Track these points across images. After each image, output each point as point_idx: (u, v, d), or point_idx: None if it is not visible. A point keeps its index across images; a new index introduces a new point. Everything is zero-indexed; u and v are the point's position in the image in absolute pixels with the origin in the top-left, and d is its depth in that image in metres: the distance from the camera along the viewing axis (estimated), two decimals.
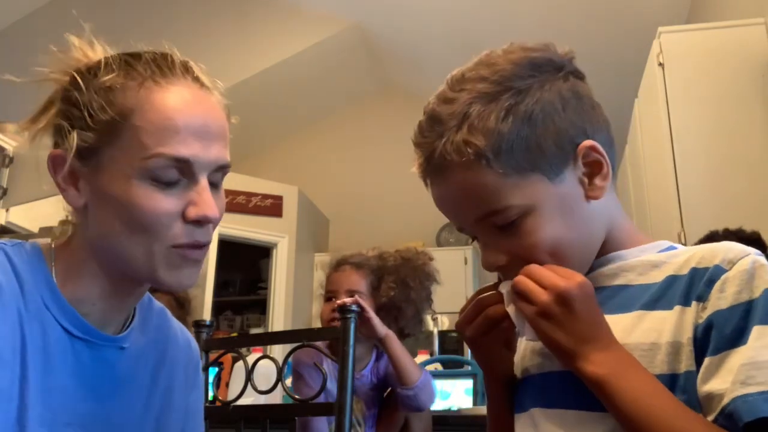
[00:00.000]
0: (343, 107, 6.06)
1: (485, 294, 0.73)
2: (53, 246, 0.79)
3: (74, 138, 0.72)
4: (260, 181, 5.08)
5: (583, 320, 0.64)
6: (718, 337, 0.62)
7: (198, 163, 0.73)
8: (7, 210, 2.96)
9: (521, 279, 0.67)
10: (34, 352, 0.71)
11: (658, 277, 0.69)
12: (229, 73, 4.64)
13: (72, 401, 0.75)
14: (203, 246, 0.76)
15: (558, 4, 4.06)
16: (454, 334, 4.92)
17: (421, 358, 2.69)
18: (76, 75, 0.75)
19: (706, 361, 0.62)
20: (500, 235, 0.71)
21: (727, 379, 0.60)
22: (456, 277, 5.17)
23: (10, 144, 2.96)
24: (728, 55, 2.53)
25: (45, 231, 2.77)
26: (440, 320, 5.00)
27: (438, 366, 2.65)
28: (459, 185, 0.70)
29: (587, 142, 0.70)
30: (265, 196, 5.06)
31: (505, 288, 0.70)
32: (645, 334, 0.66)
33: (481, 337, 0.73)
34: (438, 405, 2.24)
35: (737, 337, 0.61)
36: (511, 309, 0.69)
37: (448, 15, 4.51)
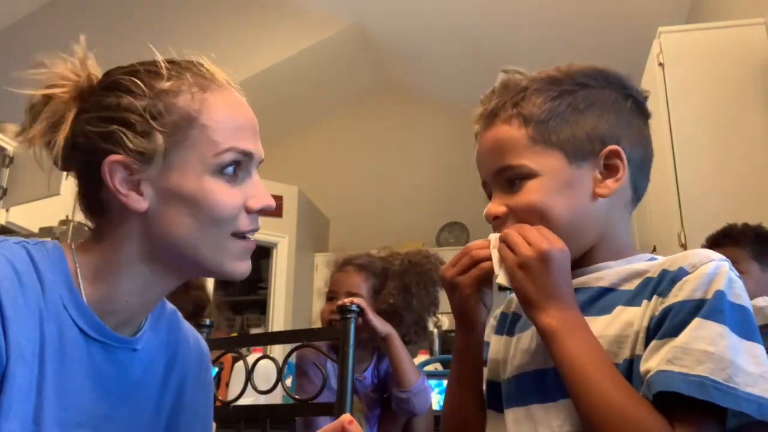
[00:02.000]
0: (343, 107, 6.06)
1: (472, 243, 0.81)
2: (73, 246, 0.79)
3: (160, 141, 0.75)
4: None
5: (553, 280, 0.72)
6: (667, 324, 0.68)
7: (255, 159, 0.81)
8: (7, 210, 2.96)
9: (512, 232, 0.75)
10: (52, 353, 0.72)
11: (638, 283, 0.76)
12: (229, 72, 4.63)
13: (85, 402, 0.75)
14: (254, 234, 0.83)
15: (558, 4, 4.06)
16: (454, 334, 4.92)
17: (421, 358, 2.69)
18: (137, 81, 0.77)
19: (651, 344, 0.68)
20: (507, 190, 0.80)
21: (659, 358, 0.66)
22: None
23: (10, 144, 2.96)
24: (728, 55, 2.53)
25: (45, 231, 2.77)
26: (440, 320, 5.00)
27: (438, 366, 2.65)
28: (494, 136, 0.81)
29: (615, 147, 0.79)
30: None
31: (493, 236, 0.79)
32: (619, 326, 0.72)
33: (460, 275, 0.79)
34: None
35: (681, 327, 0.67)
36: (495, 253, 0.77)
37: (448, 15, 4.51)
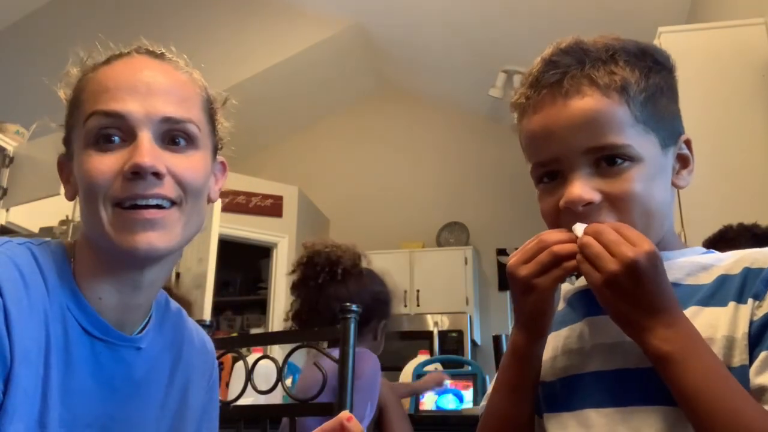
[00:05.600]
0: (343, 107, 6.06)
1: (549, 232, 0.70)
2: (73, 244, 0.79)
3: (66, 131, 0.78)
4: (260, 181, 5.08)
5: (649, 292, 0.63)
6: None
7: (133, 118, 0.72)
8: (7, 210, 2.96)
9: (590, 242, 0.65)
10: (57, 353, 0.71)
11: (708, 278, 0.71)
12: (229, 73, 4.64)
13: (92, 402, 0.75)
14: (152, 199, 0.72)
15: (558, 4, 4.06)
16: (454, 334, 4.92)
17: (421, 358, 2.69)
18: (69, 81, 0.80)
19: (762, 354, 0.62)
20: (598, 174, 0.70)
21: None
22: (456, 277, 5.17)
23: (10, 144, 2.96)
24: (728, 55, 2.53)
25: (45, 231, 2.77)
26: (440, 320, 5.00)
27: (438, 366, 2.65)
28: (589, 109, 0.69)
29: (687, 136, 0.76)
30: (265, 196, 5.06)
31: (580, 227, 0.67)
32: (700, 329, 0.65)
33: (537, 277, 0.68)
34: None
35: None
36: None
37: (448, 15, 4.51)
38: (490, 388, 0.81)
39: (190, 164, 0.75)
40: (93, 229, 0.74)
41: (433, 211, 5.67)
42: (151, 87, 0.74)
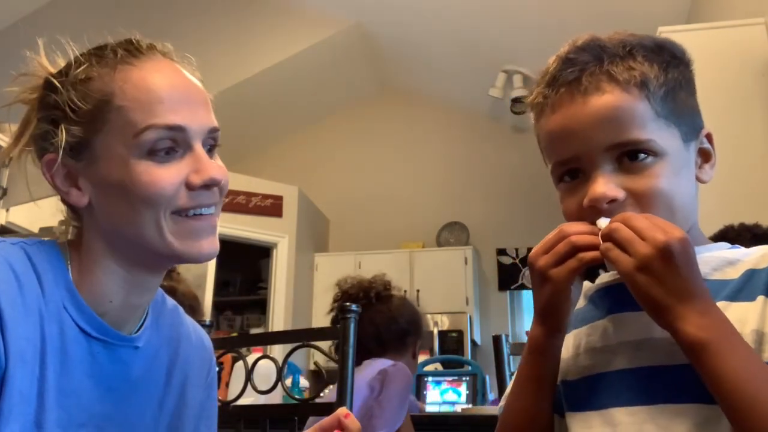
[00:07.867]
0: (343, 107, 6.06)
1: (570, 224, 0.69)
2: (67, 245, 0.78)
3: (62, 132, 0.73)
4: (260, 181, 5.08)
5: (682, 277, 0.61)
6: None
7: (190, 129, 0.74)
8: (7, 210, 2.96)
9: (620, 227, 0.64)
10: (53, 353, 0.71)
11: (734, 273, 0.70)
12: (230, 73, 4.64)
13: (88, 402, 0.75)
14: (211, 207, 0.76)
15: (558, 4, 4.06)
16: (454, 334, 4.92)
17: (421, 358, 2.69)
18: (51, 78, 0.76)
19: None
20: (621, 171, 0.69)
21: None
22: (456, 277, 5.17)
23: None
24: (728, 55, 2.53)
25: (45, 231, 2.77)
26: (440, 320, 5.01)
27: (438, 366, 2.65)
28: (610, 105, 0.68)
29: (708, 130, 0.75)
30: (265, 196, 5.06)
31: (603, 221, 0.67)
32: None
33: (555, 267, 0.68)
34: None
35: None
36: (605, 247, 0.65)
37: (448, 15, 4.51)
38: (509, 386, 0.81)
39: (224, 171, 0.78)
40: (142, 237, 0.74)
41: (433, 211, 5.67)
42: (195, 97, 0.77)
